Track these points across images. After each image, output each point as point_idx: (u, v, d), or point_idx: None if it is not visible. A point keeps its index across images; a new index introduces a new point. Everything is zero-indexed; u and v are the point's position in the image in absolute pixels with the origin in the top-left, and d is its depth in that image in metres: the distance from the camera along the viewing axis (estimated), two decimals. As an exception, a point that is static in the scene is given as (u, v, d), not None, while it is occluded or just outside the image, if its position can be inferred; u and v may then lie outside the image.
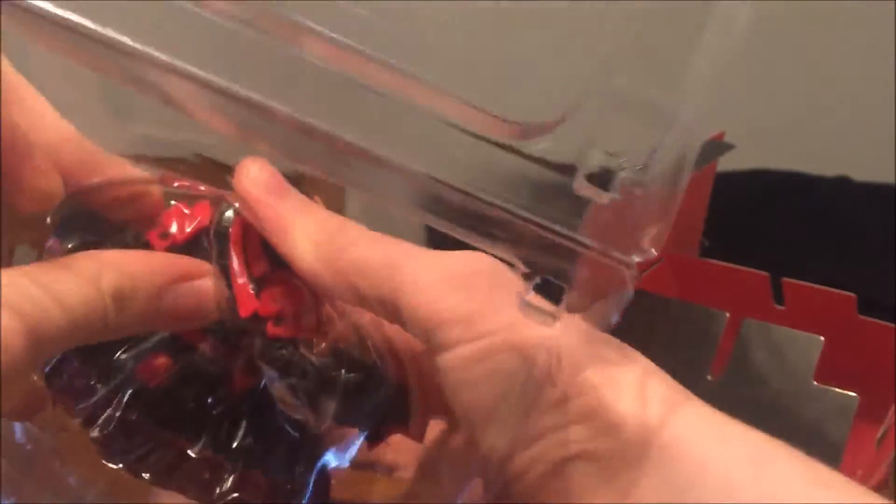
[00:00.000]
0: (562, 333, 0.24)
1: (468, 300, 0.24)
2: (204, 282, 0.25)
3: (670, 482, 0.22)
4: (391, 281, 0.24)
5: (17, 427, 0.27)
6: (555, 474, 0.24)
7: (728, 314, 0.48)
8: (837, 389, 0.44)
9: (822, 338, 0.45)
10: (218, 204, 0.26)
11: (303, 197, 0.26)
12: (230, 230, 0.25)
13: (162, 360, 0.26)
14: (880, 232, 0.78)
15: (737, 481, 0.22)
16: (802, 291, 0.50)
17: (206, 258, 0.25)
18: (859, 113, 0.95)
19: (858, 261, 0.75)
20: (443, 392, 0.25)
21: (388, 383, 0.27)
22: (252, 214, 0.25)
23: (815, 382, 0.45)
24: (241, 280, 0.25)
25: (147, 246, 0.26)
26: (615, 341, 0.25)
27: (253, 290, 0.25)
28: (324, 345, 0.26)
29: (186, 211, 0.26)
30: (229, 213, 0.26)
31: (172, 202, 0.26)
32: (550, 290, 0.22)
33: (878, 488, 0.42)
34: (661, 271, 0.53)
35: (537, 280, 0.22)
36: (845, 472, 0.43)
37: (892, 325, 0.48)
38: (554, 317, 0.22)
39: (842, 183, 0.89)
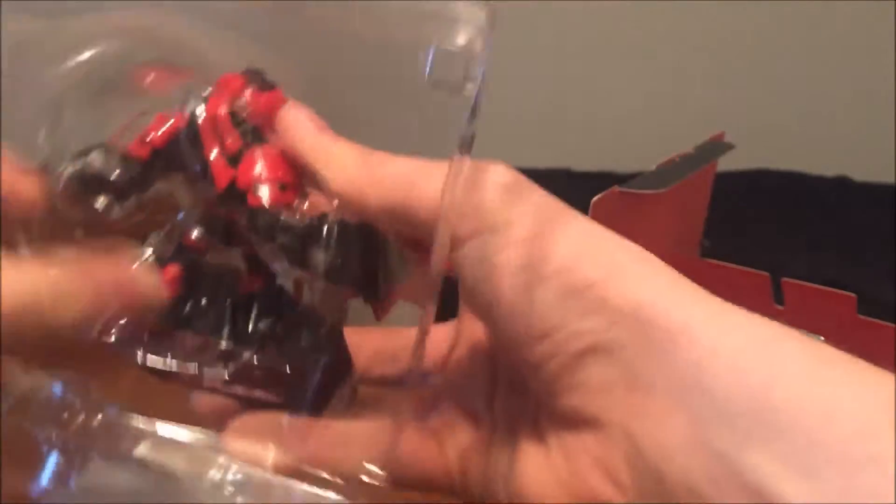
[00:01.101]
0: (567, 229, 0.25)
1: (479, 197, 0.25)
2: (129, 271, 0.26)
3: (681, 366, 0.23)
4: (411, 190, 0.25)
5: None
6: (571, 367, 0.24)
7: (728, 314, 0.48)
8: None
9: (822, 338, 0.45)
10: (186, 101, 0.27)
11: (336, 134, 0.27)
12: (199, 122, 0.26)
13: (173, 269, 0.26)
14: (880, 232, 0.78)
15: (746, 363, 0.22)
16: (802, 291, 0.50)
17: (183, 155, 0.26)
18: (859, 113, 0.95)
19: (858, 261, 0.75)
20: (462, 289, 0.26)
21: (380, 240, 0.27)
22: (294, 142, 0.26)
23: (815, 382, 0.45)
24: (213, 157, 0.26)
25: (127, 156, 0.27)
26: (617, 236, 0.26)
27: (228, 163, 0.26)
28: (307, 206, 0.26)
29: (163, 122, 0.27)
30: (199, 109, 0.26)
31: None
32: None
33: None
34: (661, 271, 0.53)
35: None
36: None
37: (892, 325, 0.48)
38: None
39: (842, 183, 0.89)
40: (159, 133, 0.26)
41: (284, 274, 0.26)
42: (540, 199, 0.26)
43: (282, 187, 0.25)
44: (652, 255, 0.26)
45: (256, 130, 0.26)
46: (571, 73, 0.93)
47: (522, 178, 0.27)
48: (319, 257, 0.25)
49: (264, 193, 0.25)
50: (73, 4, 0.30)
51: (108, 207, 0.27)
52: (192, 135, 0.26)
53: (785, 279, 0.50)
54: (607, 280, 0.24)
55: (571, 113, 0.94)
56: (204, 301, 0.27)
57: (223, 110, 0.26)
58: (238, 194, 0.25)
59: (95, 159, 0.27)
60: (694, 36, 0.94)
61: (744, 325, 0.24)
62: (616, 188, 0.44)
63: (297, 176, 0.26)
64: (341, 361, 0.28)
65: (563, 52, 0.93)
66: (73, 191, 0.26)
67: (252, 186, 0.25)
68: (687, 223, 0.58)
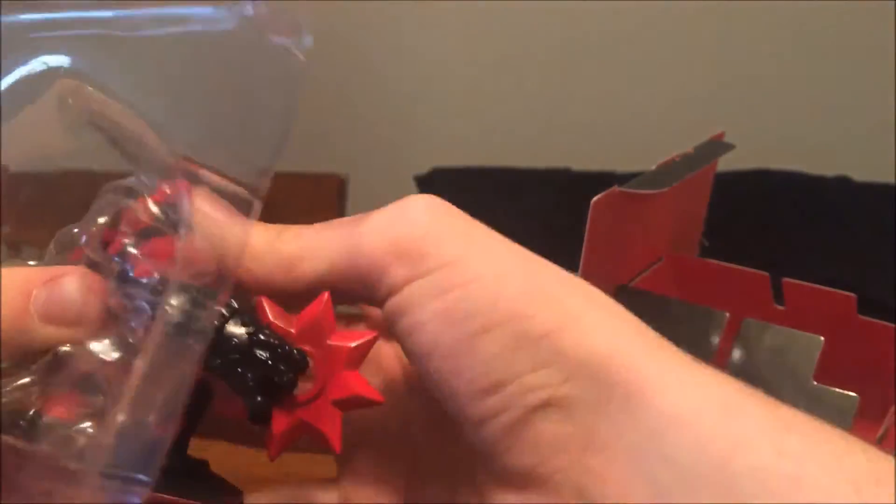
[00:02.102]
0: (514, 269, 0.23)
1: (409, 239, 0.24)
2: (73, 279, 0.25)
3: (641, 430, 0.22)
4: (347, 242, 0.24)
5: None
6: (521, 423, 0.23)
7: (728, 314, 0.48)
8: (837, 389, 0.44)
9: (822, 338, 0.45)
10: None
11: (244, 219, 0.26)
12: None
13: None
14: (880, 232, 0.78)
15: (709, 430, 0.21)
16: (802, 291, 0.50)
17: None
18: (859, 113, 0.95)
19: (858, 261, 0.75)
20: (400, 343, 0.24)
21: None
22: (210, 240, 0.26)
23: (815, 382, 0.45)
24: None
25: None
26: (569, 276, 0.25)
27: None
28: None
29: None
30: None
31: None
32: None
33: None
34: (661, 271, 0.53)
35: None
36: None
37: (892, 325, 0.48)
38: None
39: (842, 183, 0.89)
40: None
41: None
42: (478, 234, 0.24)
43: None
44: (606, 297, 0.24)
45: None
46: (571, 72, 0.93)
47: (453, 210, 0.25)
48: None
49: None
50: (72, 5, 0.29)
51: None
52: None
53: (785, 279, 0.50)
54: (562, 329, 0.23)
55: (571, 113, 0.94)
56: None
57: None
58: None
59: None
60: (694, 36, 0.94)
61: (705, 385, 0.23)
62: (616, 188, 0.44)
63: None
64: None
65: (563, 52, 0.93)
66: None
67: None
68: (687, 223, 0.58)
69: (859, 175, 0.88)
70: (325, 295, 0.26)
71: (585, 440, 0.22)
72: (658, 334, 0.24)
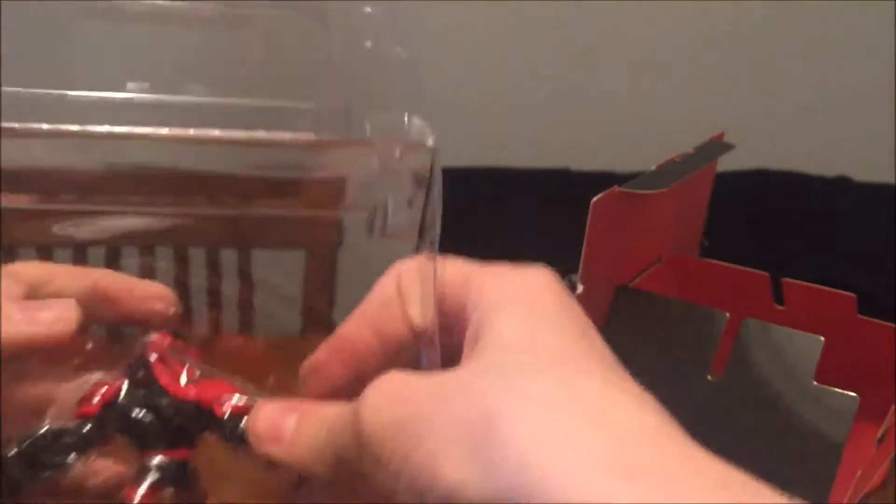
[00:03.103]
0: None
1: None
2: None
3: None
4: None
5: None
6: None
7: (728, 314, 0.48)
8: (837, 389, 0.44)
9: (822, 338, 0.45)
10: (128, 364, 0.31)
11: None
12: (147, 367, 0.31)
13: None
14: (880, 232, 0.78)
15: None
16: (802, 291, 0.50)
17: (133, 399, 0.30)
18: (859, 113, 0.95)
19: (858, 261, 0.75)
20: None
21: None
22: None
23: (815, 382, 0.45)
24: (172, 385, 0.31)
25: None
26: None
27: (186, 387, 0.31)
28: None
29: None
30: (140, 363, 0.30)
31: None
32: None
33: (878, 488, 0.42)
34: (661, 271, 0.53)
35: None
36: (845, 472, 0.43)
37: (892, 325, 0.48)
38: None
39: (842, 183, 0.89)
40: (102, 391, 0.30)
41: None
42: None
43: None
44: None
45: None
46: (571, 73, 0.93)
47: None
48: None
49: (228, 405, 0.30)
50: (72, 3, 0.30)
51: (70, 464, 0.30)
52: (142, 380, 0.30)
53: (785, 279, 0.50)
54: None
55: (571, 113, 0.94)
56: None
57: (165, 355, 0.31)
58: (202, 410, 0.30)
59: (47, 430, 0.30)
60: (694, 36, 0.94)
61: None
62: (616, 188, 0.44)
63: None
64: None
65: (563, 52, 0.93)
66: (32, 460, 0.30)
67: (216, 401, 0.30)
68: (687, 223, 0.58)
69: (859, 175, 0.88)
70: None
71: None
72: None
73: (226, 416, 0.30)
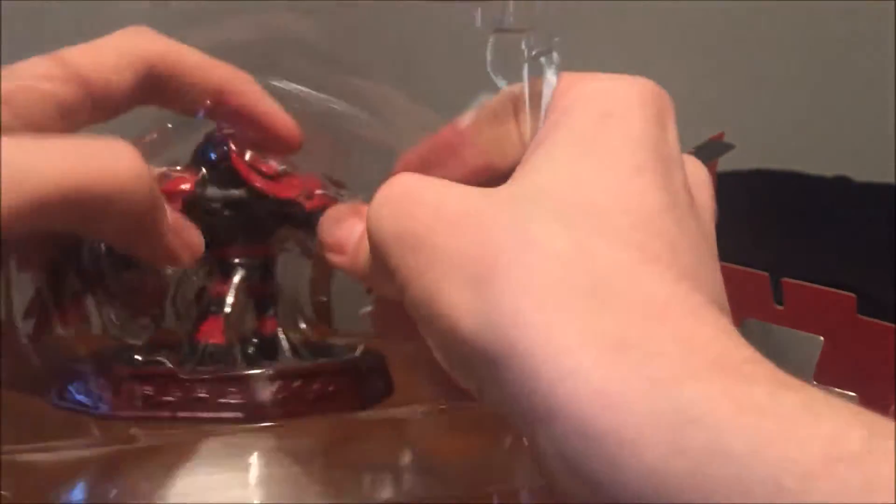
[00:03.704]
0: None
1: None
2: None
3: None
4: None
5: None
6: None
7: (728, 314, 0.48)
8: (837, 389, 0.44)
9: (822, 338, 0.45)
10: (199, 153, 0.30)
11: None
12: (229, 159, 0.29)
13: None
14: (880, 232, 0.78)
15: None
16: (802, 291, 0.50)
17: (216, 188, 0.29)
18: (859, 113, 0.95)
19: (858, 261, 0.75)
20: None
21: None
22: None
23: (815, 382, 0.45)
24: (258, 180, 0.29)
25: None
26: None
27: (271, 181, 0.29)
28: None
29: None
30: (217, 153, 0.29)
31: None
32: None
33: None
34: (661, 271, 0.53)
35: None
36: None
37: (892, 325, 0.48)
38: None
39: (842, 183, 0.89)
40: (185, 186, 0.29)
41: None
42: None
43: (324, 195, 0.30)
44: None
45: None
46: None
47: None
48: None
49: (313, 198, 0.29)
50: (72, 5, 0.30)
51: None
52: (222, 172, 0.29)
53: (785, 279, 0.50)
54: None
55: (571, 113, 0.94)
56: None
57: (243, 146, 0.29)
58: (288, 203, 0.29)
59: None
60: (694, 36, 0.94)
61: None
62: (616, 188, 0.44)
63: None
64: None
65: (563, 53, 0.93)
66: None
67: (301, 194, 0.29)
68: (687, 223, 0.58)
69: (859, 175, 0.88)
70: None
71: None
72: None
73: (310, 211, 0.29)
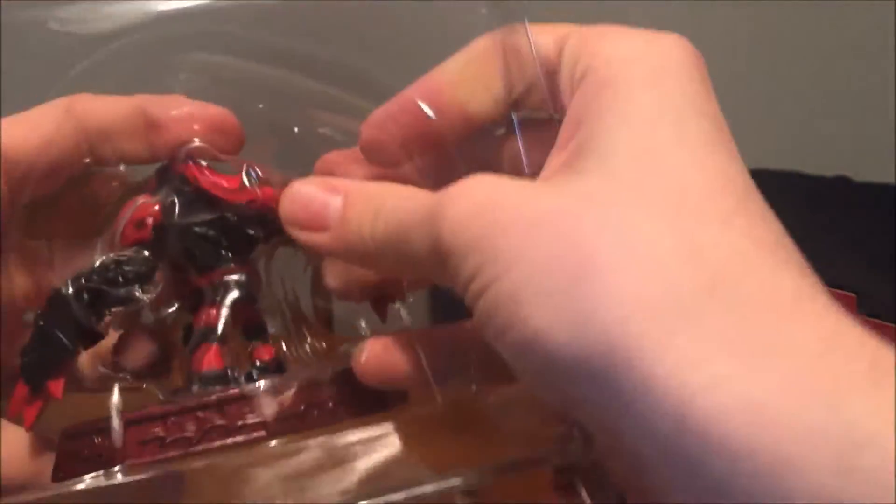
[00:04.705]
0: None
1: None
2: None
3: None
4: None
5: None
6: None
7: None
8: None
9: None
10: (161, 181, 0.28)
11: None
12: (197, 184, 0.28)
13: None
14: (880, 232, 0.78)
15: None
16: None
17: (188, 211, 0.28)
18: (859, 113, 0.95)
19: (858, 261, 0.75)
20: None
21: None
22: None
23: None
24: (229, 192, 0.28)
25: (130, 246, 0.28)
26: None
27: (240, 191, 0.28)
28: None
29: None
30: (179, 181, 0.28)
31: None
32: None
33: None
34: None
35: None
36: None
37: (892, 325, 0.48)
38: None
39: (842, 183, 0.89)
40: (152, 212, 0.27)
41: None
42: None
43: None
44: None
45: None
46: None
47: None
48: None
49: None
50: (74, 4, 0.30)
51: (137, 297, 0.27)
52: (188, 194, 0.28)
53: (785, 279, 0.50)
54: None
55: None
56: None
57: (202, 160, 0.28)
58: (265, 213, 0.28)
59: (106, 260, 0.27)
60: (694, 36, 0.94)
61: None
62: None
63: None
64: None
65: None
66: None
67: (272, 199, 0.27)
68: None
69: (859, 175, 0.88)
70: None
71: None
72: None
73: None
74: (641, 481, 0.19)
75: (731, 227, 0.20)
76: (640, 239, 0.19)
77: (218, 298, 0.27)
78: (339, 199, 0.25)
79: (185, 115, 0.27)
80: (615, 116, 0.22)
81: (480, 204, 0.21)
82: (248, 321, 0.28)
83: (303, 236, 0.26)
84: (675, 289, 0.18)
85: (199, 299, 0.28)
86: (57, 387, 0.26)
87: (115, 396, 0.26)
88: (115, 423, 0.25)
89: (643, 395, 0.17)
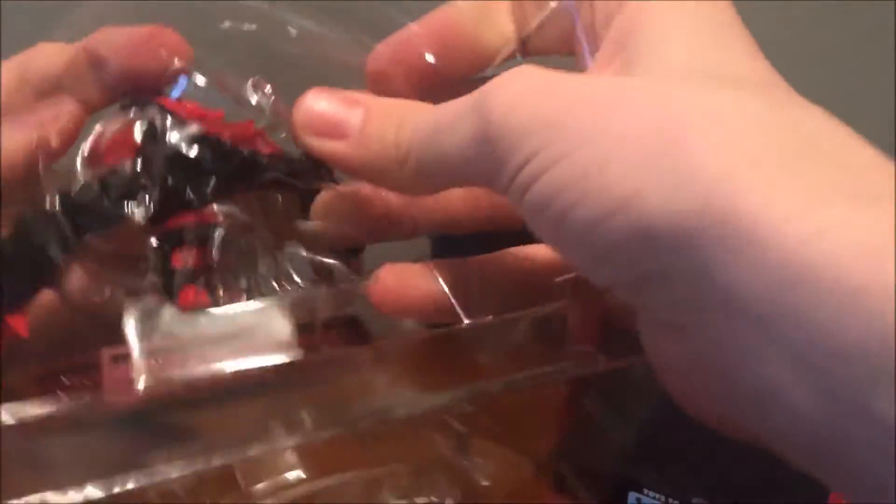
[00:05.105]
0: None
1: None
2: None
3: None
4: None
5: None
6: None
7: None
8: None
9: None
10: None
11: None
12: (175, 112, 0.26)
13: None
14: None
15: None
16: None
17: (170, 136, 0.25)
18: (859, 113, 0.95)
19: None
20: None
21: None
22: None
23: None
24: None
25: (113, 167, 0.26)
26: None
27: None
28: None
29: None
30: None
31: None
32: None
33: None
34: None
35: None
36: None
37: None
38: None
39: (842, 183, 0.89)
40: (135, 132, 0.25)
41: None
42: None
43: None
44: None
45: None
46: (571, 72, 0.93)
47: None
48: None
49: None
50: (73, 3, 0.29)
51: (126, 216, 0.25)
52: (176, 126, 0.25)
53: (785, 279, 0.50)
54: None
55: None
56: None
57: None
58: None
59: (92, 177, 0.26)
60: (694, 36, 0.94)
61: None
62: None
63: None
64: None
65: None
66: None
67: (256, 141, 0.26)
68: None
69: (859, 175, 0.88)
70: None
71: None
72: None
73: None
74: (707, 384, 0.19)
75: (812, 107, 0.21)
76: (732, 104, 0.20)
77: (207, 237, 0.25)
78: (360, 112, 0.24)
79: (125, 42, 0.26)
80: (661, 32, 0.22)
81: (536, 86, 0.21)
82: (230, 264, 0.26)
83: (316, 143, 0.24)
84: (777, 147, 0.19)
85: (178, 239, 0.26)
86: (20, 323, 0.25)
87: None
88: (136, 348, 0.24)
89: (746, 248, 0.17)
